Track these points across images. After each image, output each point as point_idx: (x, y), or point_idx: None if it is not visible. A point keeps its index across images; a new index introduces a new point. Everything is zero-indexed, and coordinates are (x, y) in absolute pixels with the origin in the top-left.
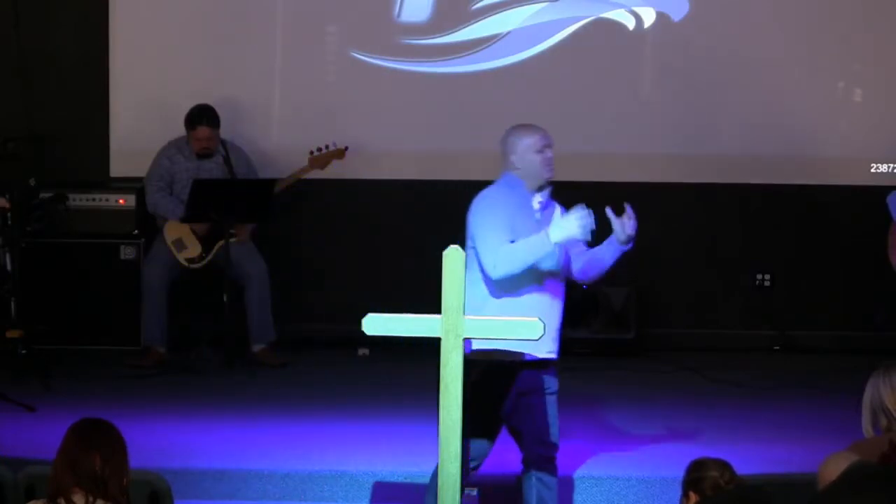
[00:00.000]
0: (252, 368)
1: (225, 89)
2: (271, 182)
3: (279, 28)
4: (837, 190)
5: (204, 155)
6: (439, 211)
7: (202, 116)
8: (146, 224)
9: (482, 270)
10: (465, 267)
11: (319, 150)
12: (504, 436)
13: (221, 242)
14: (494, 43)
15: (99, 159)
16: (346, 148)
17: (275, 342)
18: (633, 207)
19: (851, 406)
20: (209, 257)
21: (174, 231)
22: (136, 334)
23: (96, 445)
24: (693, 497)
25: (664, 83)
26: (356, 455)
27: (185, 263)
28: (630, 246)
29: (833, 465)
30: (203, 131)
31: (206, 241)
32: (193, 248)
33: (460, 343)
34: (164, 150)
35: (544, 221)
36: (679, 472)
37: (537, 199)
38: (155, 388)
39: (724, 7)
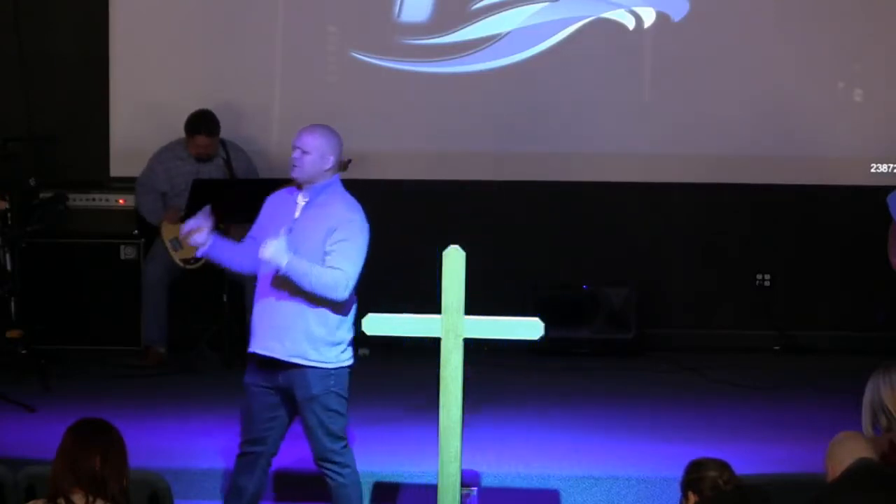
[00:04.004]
0: None
1: (225, 89)
2: (272, 183)
3: (279, 28)
4: (837, 190)
5: (203, 159)
6: (439, 210)
7: (202, 125)
8: (146, 224)
9: None
10: None
11: None
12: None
13: None
14: (494, 43)
15: (99, 159)
16: (350, 161)
17: None
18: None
19: (851, 406)
20: (204, 259)
21: (171, 230)
22: (136, 334)
23: (96, 446)
24: (693, 497)
25: (664, 83)
26: (356, 455)
27: (181, 264)
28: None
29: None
30: (202, 140)
31: None
32: (189, 249)
33: (460, 343)
34: (156, 155)
35: (302, 220)
36: (679, 472)
37: (302, 199)
38: (155, 388)
39: (724, 7)
